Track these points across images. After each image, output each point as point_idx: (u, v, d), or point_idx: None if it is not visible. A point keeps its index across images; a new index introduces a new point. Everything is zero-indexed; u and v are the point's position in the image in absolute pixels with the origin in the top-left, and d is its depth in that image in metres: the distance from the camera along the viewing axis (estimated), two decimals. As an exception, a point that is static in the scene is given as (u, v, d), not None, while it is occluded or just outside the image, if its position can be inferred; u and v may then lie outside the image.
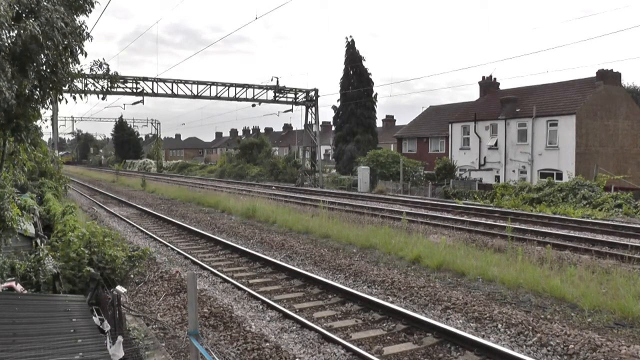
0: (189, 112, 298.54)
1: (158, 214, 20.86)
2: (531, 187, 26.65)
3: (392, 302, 8.61)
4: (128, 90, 34.50)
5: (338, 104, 48.74)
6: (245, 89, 38.46)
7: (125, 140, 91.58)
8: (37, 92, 6.08)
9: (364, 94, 46.45)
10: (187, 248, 13.94)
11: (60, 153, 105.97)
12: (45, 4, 5.51)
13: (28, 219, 8.44)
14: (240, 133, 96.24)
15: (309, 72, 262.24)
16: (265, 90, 39.16)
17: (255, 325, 7.62)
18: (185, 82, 36.50)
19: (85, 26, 6.22)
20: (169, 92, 36.00)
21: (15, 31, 5.19)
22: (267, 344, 6.77)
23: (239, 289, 9.60)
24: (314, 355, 6.53)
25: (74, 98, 6.95)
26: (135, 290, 9.56)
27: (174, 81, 36.16)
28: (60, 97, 6.62)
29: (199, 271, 11.05)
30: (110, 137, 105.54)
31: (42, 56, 5.69)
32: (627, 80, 61.70)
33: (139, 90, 34.87)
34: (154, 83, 35.44)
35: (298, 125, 62.44)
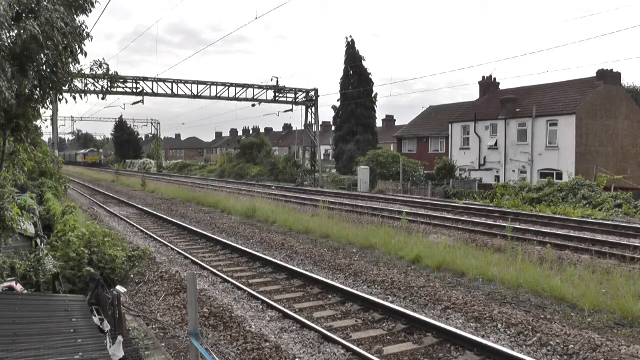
0: (189, 112, 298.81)
1: (158, 214, 20.86)
2: (531, 187, 26.65)
3: (392, 302, 8.61)
4: (128, 90, 34.49)
5: (338, 104, 48.78)
6: (245, 89, 38.46)
7: (125, 140, 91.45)
8: (37, 92, 6.08)
9: (364, 94, 46.44)
10: (187, 248, 13.94)
11: (83, 151, 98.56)
12: (45, 4, 5.51)
13: (28, 219, 8.43)
14: (240, 133, 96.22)
15: (309, 72, 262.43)
16: (265, 90, 39.15)
17: (255, 325, 7.62)
18: (185, 82, 36.49)
19: (86, 26, 6.22)
20: (169, 92, 35.99)
21: (15, 31, 5.18)
22: (267, 344, 6.77)
23: (239, 289, 9.60)
24: (314, 355, 6.52)
25: (74, 98, 6.95)
26: (135, 290, 9.56)
27: (174, 81, 36.15)
28: (60, 97, 6.61)
29: (199, 271, 11.05)
30: (110, 137, 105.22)
31: (42, 56, 5.68)
32: (627, 80, 61.74)
33: (139, 90, 34.85)
34: (154, 83, 35.44)
35: (298, 125, 62.52)
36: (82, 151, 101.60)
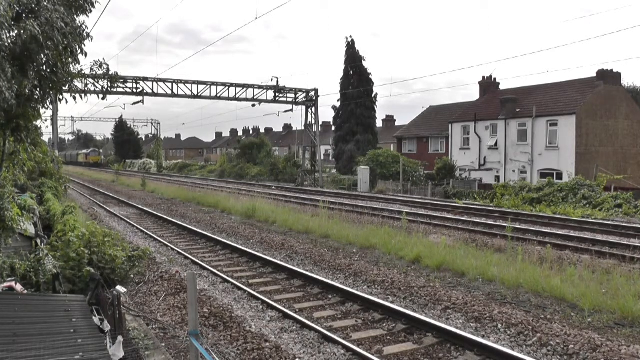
0: (189, 112, 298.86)
1: (158, 214, 20.86)
2: (531, 187, 26.65)
3: (392, 302, 8.61)
4: (128, 90, 34.50)
5: (338, 104, 48.77)
6: (245, 89, 38.46)
7: (125, 140, 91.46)
8: (37, 92, 6.08)
9: (364, 94, 46.45)
10: (187, 248, 13.94)
11: (85, 151, 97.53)
12: (45, 4, 5.51)
13: (28, 219, 8.44)
14: (240, 133, 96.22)
15: (309, 72, 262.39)
16: (265, 90, 39.16)
17: (255, 325, 7.62)
18: (185, 82, 36.49)
19: (86, 26, 6.22)
20: (169, 92, 35.99)
21: (15, 31, 5.19)
22: (267, 344, 6.77)
23: (239, 289, 9.60)
24: (314, 355, 6.53)
25: (74, 98, 6.95)
26: (135, 290, 9.56)
27: (174, 81, 36.15)
28: (60, 97, 6.61)
29: (199, 271, 11.05)
30: (110, 137, 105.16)
31: (42, 56, 5.68)
32: (627, 80, 61.68)
33: (139, 90, 34.85)
34: (154, 83, 35.44)
35: (298, 125, 62.53)
36: (84, 151, 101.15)
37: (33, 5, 5.37)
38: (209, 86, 37.18)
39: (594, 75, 35.16)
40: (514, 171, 36.08)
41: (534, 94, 37.57)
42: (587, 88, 34.75)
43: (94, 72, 6.75)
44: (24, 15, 5.35)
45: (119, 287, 6.53)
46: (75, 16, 6.09)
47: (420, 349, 6.77)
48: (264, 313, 8.24)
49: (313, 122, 42.56)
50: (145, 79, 35.17)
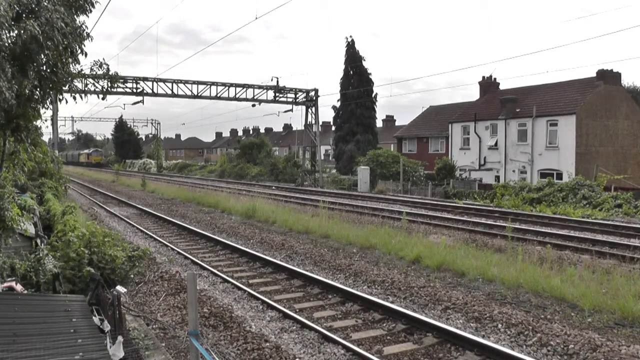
0: (189, 112, 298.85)
1: (158, 214, 20.86)
2: (531, 187, 26.65)
3: (392, 302, 8.61)
4: (128, 90, 34.50)
5: (338, 104, 48.78)
6: (245, 89, 38.46)
7: (125, 140, 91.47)
8: (37, 92, 6.08)
9: (364, 94, 46.45)
10: (187, 248, 13.94)
11: (87, 151, 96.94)
12: (45, 4, 5.51)
13: (28, 219, 8.44)
14: (240, 133, 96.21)
15: (309, 72, 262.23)
16: (265, 90, 39.16)
17: (255, 325, 7.62)
18: (185, 82, 36.49)
19: (86, 26, 6.22)
20: (169, 92, 36.00)
21: (15, 31, 5.19)
22: (267, 344, 6.77)
23: (239, 289, 9.60)
24: (314, 355, 6.53)
25: (74, 98, 6.95)
26: (135, 290, 9.56)
27: (174, 81, 36.15)
28: (60, 97, 6.62)
29: (199, 271, 11.05)
30: (110, 137, 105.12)
31: (42, 56, 5.68)
32: (627, 80, 61.64)
33: (139, 90, 34.86)
34: (154, 83, 35.45)
35: (298, 125, 62.55)
36: (86, 151, 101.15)
37: (33, 5, 5.37)
38: (209, 86, 37.18)
39: (594, 75, 35.16)
40: (514, 171, 36.09)
41: (534, 94, 37.58)
42: (587, 88, 34.76)
43: (94, 72, 6.75)
44: (24, 15, 5.35)
45: (119, 287, 6.53)
46: (75, 16, 6.10)
47: (420, 349, 6.77)
48: (264, 313, 8.24)
49: (313, 122, 42.56)
50: (145, 79, 35.18)
